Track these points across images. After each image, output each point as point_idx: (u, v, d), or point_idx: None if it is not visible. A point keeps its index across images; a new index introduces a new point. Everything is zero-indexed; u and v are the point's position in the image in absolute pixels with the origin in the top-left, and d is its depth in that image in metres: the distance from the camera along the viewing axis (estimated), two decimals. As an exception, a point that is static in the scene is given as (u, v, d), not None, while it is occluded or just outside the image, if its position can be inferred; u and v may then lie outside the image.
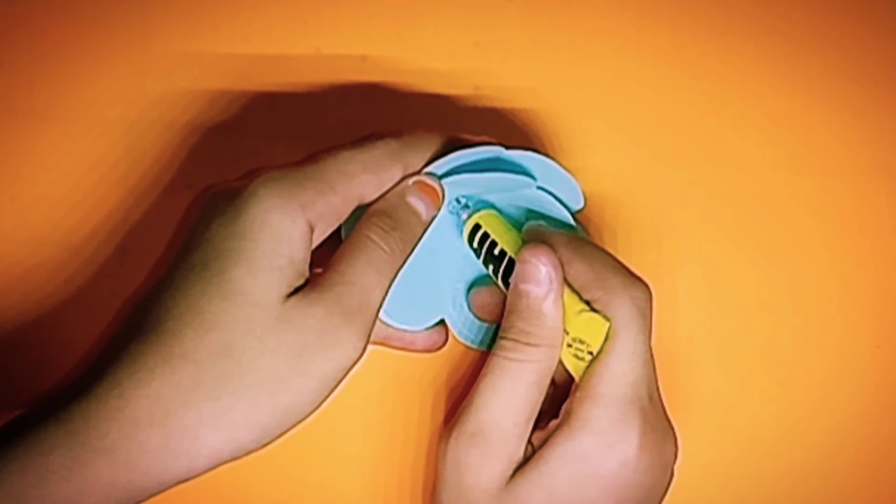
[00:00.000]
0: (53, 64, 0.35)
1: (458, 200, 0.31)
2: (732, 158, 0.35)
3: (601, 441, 0.26)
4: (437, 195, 0.28)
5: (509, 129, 0.35)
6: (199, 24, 0.36)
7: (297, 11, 0.36)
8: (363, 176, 0.27)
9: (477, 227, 0.30)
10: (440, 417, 0.34)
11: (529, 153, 0.30)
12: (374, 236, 0.26)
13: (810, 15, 0.36)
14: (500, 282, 0.30)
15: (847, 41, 0.36)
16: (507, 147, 0.29)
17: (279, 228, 0.24)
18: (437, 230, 0.29)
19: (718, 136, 0.35)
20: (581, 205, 0.31)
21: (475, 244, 0.30)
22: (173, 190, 0.34)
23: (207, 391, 0.23)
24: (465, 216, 0.31)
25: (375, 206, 0.27)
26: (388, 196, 0.27)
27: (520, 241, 0.30)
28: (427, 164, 0.28)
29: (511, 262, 0.29)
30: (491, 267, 0.30)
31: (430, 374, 0.34)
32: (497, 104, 0.35)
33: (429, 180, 0.28)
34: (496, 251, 0.30)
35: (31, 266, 0.34)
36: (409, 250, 0.28)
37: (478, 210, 0.31)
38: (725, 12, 0.36)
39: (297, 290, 0.25)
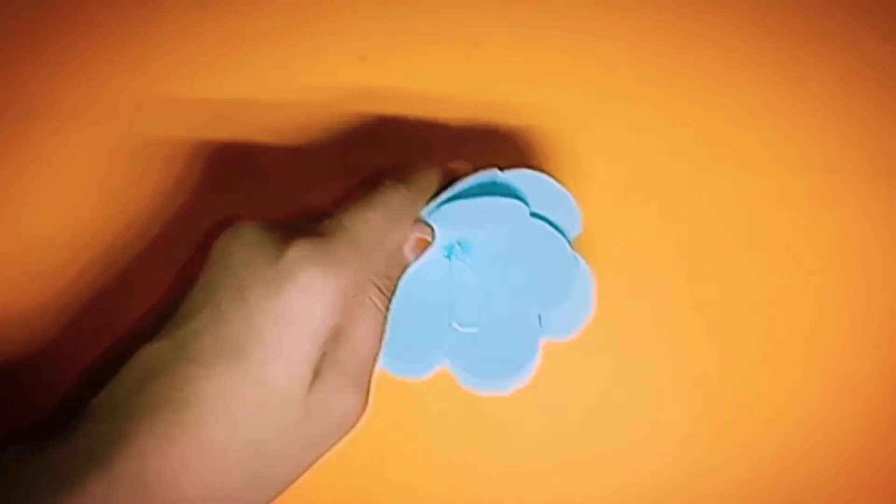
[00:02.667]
0: (53, 64, 0.35)
1: (459, 244, 0.30)
2: (731, 159, 0.35)
3: None
4: (428, 243, 0.29)
5: (508, 129, 0.35)
6: (198, 24, 0.36)
7: (297, 11, 0.36)
8: (389, 237, 0.27)
9: None
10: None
11: (525, 171, 0.29)
12: (377, 301, 0.26)
13: (810, 15, 0.36)
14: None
15: (847, 41, 0.36)
16: (502, 169, 0.29)
17: (321, 321, 0.24)
18: (430, 276, 0.29)
19: (717, 137, 0.36)
20: (579, 229, 0.30)
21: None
22: (174, 189, 0.34)
23: (234, 488, 0.23)
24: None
25: (378, 267, 0.27)
26: (389, 252, 0.27)
27: None
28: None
29: None
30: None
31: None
32: (496, 105, 0.35)
33: (427, 236, 0.29)
34: None
35: (30, 266, 0.34)
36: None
37: None
38: (725, 13, 0.36)
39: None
